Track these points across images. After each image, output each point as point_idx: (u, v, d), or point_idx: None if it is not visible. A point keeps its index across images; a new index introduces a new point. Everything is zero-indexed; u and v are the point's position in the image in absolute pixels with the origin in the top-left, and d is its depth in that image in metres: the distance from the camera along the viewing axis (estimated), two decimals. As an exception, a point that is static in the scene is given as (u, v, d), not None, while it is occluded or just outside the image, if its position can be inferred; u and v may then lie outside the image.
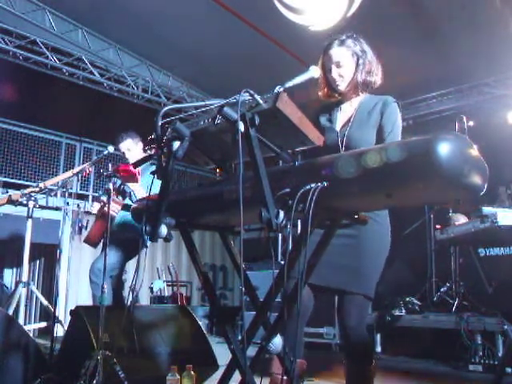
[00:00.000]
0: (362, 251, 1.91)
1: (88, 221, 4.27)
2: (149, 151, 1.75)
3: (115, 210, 3.64)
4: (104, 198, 3.68)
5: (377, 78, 2.05)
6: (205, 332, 3.16)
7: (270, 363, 1.99)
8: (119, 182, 3.55)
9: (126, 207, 3.69)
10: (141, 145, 3.96)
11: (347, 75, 2.02)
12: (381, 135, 1.95)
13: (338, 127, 2.06)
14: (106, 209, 3.71)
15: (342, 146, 1.97)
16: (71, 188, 6.75)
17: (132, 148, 3.87)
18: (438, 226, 5.01)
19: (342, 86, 2.04)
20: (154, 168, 1.64)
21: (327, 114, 2.15)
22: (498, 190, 4.40)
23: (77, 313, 2.74)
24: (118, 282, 3.73)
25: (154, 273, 7.05)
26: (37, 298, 4.47)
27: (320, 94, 2.12)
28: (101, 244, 3.71)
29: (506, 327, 3.64)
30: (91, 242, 3.79)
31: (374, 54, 2.06)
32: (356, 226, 1.77)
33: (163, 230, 1.56)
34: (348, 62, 2.01)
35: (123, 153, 3.87)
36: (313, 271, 1.57)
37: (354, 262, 1.89)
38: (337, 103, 2.13)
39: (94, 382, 2.25)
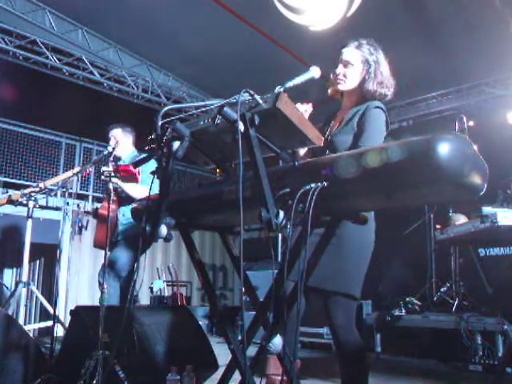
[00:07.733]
0: (344, 250, 1.88)
1: (88, 221, 4.27)
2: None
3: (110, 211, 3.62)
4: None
5: (387, 92, 2.01)
6: (205, 332, 3.16)
7: (265, 365, 1.99)
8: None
9: (124, 201, 3.65)
10: (129, 141, 3.96)
11: (351, 77, 2.01)
12: (356, 138, 1.91)
13: (332, 130, 2.06)
14: (100, 211, 3.72)
15: (326, 150, 1.94)
16: (71, 188, 6.76)
17: (118, 138, 3.86)
18: (438, 226, 5.01)
19: (343, 86, 2.03)
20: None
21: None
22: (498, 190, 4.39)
23: (77, 313, 2.73)
24: (129, 281, 3.69)
25: (154, 273, 7.04)
26: (37, 297, 4.47)
27: (329, 90, 2.11)
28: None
29: (505, 327, 3.64)
30: (99, 245, 3.77)
31: (388, 66, 2.03)
32: (338, 225, 1.71)
33: (163, 229, 1.56)
34: (356, 65, 2.00)
35: (109, 138, 3.88)
36: (312, 271, 1.57)
37: (336, 261, 1.86)
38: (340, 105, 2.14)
39: (94, 382, 2.25)
